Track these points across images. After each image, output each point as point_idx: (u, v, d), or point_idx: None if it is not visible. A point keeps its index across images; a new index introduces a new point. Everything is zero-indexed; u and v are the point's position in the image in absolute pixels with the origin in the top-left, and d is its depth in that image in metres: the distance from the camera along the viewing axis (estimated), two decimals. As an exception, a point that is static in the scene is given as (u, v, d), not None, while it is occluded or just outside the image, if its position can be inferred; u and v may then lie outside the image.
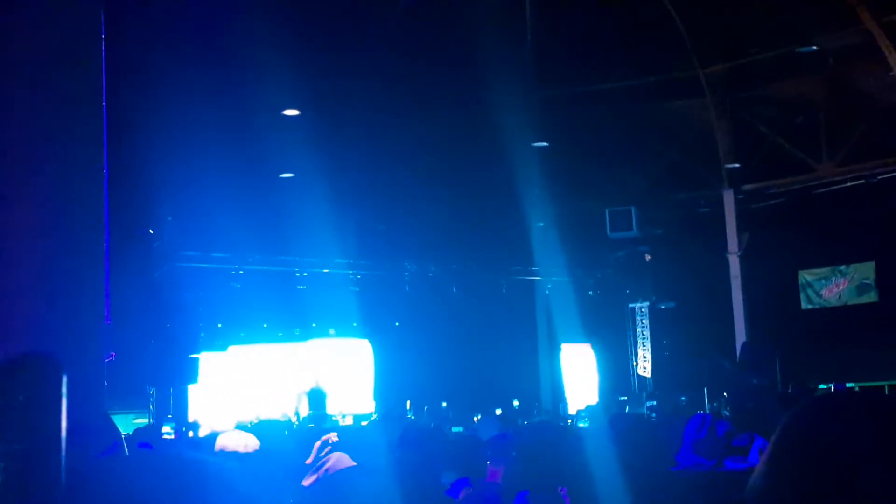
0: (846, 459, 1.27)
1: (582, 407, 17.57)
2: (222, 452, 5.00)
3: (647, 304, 22.06)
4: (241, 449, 5.03)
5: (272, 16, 15.01)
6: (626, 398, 20.84)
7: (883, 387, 19.17)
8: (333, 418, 16.74)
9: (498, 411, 18.01)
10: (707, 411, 17.14)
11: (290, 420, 16.12)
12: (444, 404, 18.89)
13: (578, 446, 4.05)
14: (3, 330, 4.44)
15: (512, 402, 19.78)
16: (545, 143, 19.59)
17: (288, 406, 17.24)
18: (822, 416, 1.34)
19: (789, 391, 14.73)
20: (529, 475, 4.02)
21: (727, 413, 16.41)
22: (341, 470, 4.52)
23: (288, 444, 4.34)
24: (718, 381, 18.82)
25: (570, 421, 16.21)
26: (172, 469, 1.47)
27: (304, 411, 16.79)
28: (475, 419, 16.75)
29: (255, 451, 5.01)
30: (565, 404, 20.69)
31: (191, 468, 1.49)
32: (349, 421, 16.96)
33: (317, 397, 16.65)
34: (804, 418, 1.36)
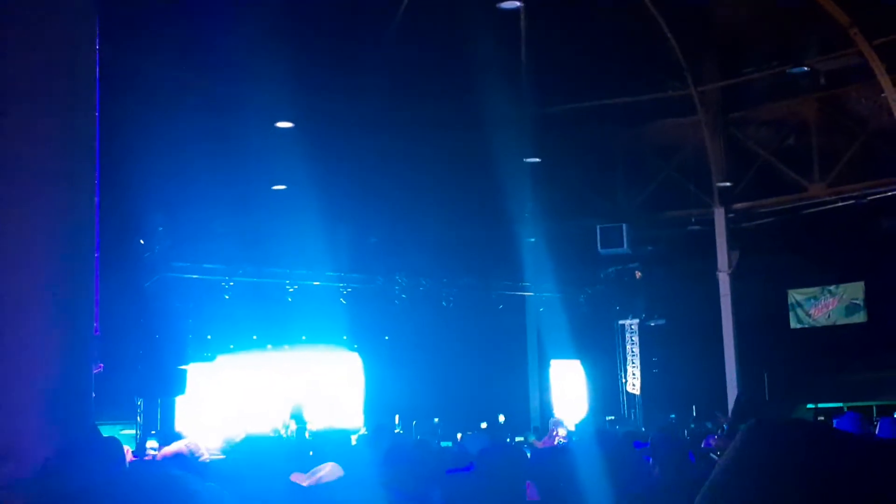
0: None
1: (570, 422, 17.52)
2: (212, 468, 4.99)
3: (637, 320, 22.09)
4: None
5: (266, 28, 15.04)
6: (613, 418, 20.81)
7: (871, 407, 19.23)
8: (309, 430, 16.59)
9: (483, 425, 17.98)
10: (692, 428, 17.18)
11: (278, 433, 16.03)
12: (437, 420, 18.82)
13: (565, 463, 4.05)
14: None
15: (498, 416, 19.72)
16: (538, 160, 19.64)
17: (276, 419, 17.15)
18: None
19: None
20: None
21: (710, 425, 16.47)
22: (332, 481, 4.52)
23: (277, 458, 4.33)
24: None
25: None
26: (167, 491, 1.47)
27: (292, 427, 16.71)
28: (461, 435, 16.70)
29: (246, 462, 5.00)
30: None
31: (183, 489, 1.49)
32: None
33: (299, 418, 16.56)
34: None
